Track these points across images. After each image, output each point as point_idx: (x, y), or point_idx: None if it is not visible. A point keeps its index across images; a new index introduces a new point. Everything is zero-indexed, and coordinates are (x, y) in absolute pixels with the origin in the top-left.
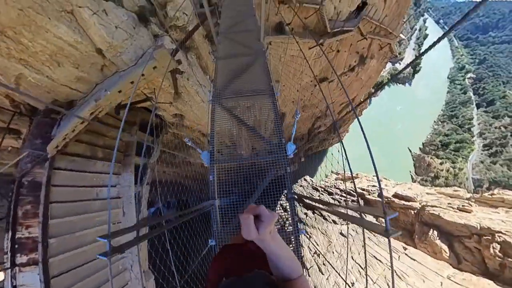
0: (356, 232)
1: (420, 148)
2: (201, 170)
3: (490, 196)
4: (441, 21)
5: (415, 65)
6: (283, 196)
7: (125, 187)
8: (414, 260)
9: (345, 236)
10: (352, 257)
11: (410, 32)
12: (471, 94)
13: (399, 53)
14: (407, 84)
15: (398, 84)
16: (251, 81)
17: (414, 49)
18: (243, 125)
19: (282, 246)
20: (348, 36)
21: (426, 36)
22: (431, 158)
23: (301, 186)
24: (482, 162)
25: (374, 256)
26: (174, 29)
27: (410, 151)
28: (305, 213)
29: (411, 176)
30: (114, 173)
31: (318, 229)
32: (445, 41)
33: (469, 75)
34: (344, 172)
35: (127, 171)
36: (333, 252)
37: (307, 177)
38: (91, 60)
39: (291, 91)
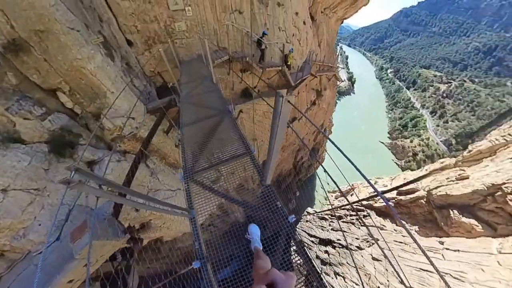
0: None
1: (388, 137)
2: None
3: (469, 154)
4: (351, 45)
5: (350, 78)
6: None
7: None
8: (457, 251)
9: (378, 260)
10: (402, 282)
11: (336, 58)
12: (398, 82)
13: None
14: (351, 93)
15: (344, 96)
16: None
17: (343, 68)
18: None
19: None
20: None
21: (347, 57)
22: (401, 141)
23: (307, 221)
24: (438, 126)
25: (421, 268)
26: (120, 140)
27: (383, 143)
28: (326, 251)
29: (396, 163)
30: None
31: (348, 263)
32: (360, 56)
33: (389, 70)
34: (361, 183)
35: None
36: (378, 287)
37: (310, 209)
38: None
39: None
